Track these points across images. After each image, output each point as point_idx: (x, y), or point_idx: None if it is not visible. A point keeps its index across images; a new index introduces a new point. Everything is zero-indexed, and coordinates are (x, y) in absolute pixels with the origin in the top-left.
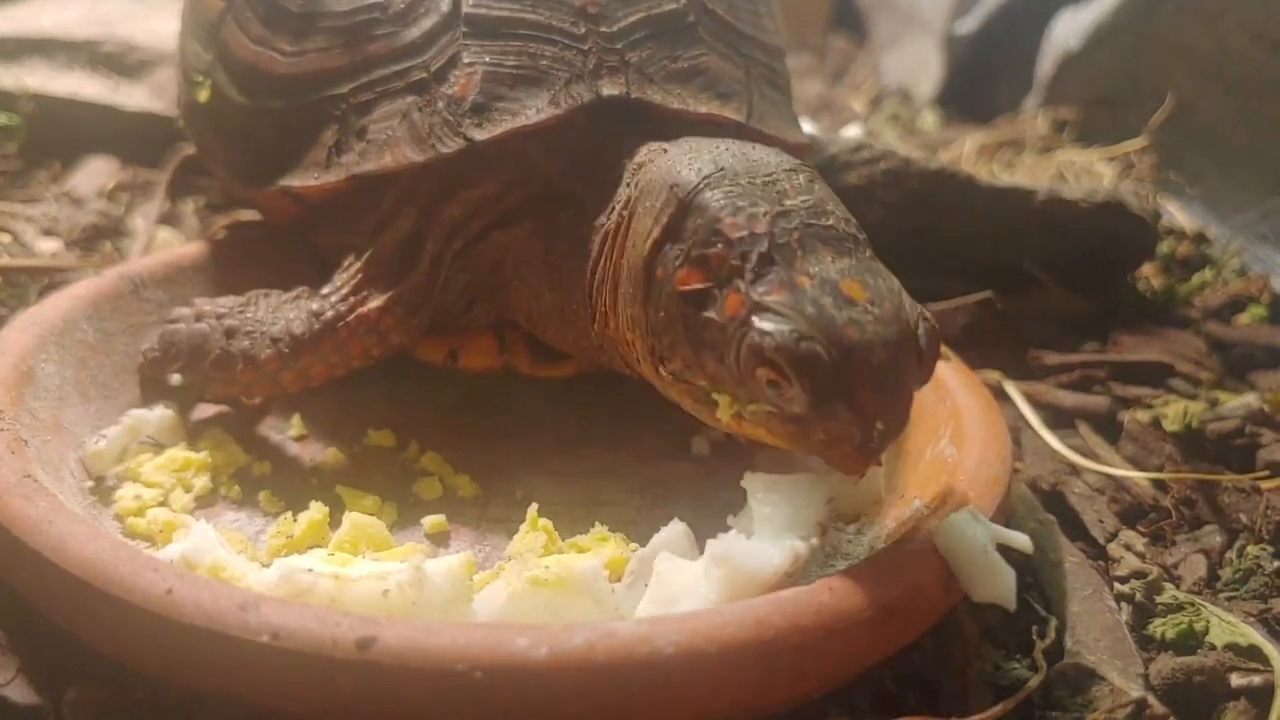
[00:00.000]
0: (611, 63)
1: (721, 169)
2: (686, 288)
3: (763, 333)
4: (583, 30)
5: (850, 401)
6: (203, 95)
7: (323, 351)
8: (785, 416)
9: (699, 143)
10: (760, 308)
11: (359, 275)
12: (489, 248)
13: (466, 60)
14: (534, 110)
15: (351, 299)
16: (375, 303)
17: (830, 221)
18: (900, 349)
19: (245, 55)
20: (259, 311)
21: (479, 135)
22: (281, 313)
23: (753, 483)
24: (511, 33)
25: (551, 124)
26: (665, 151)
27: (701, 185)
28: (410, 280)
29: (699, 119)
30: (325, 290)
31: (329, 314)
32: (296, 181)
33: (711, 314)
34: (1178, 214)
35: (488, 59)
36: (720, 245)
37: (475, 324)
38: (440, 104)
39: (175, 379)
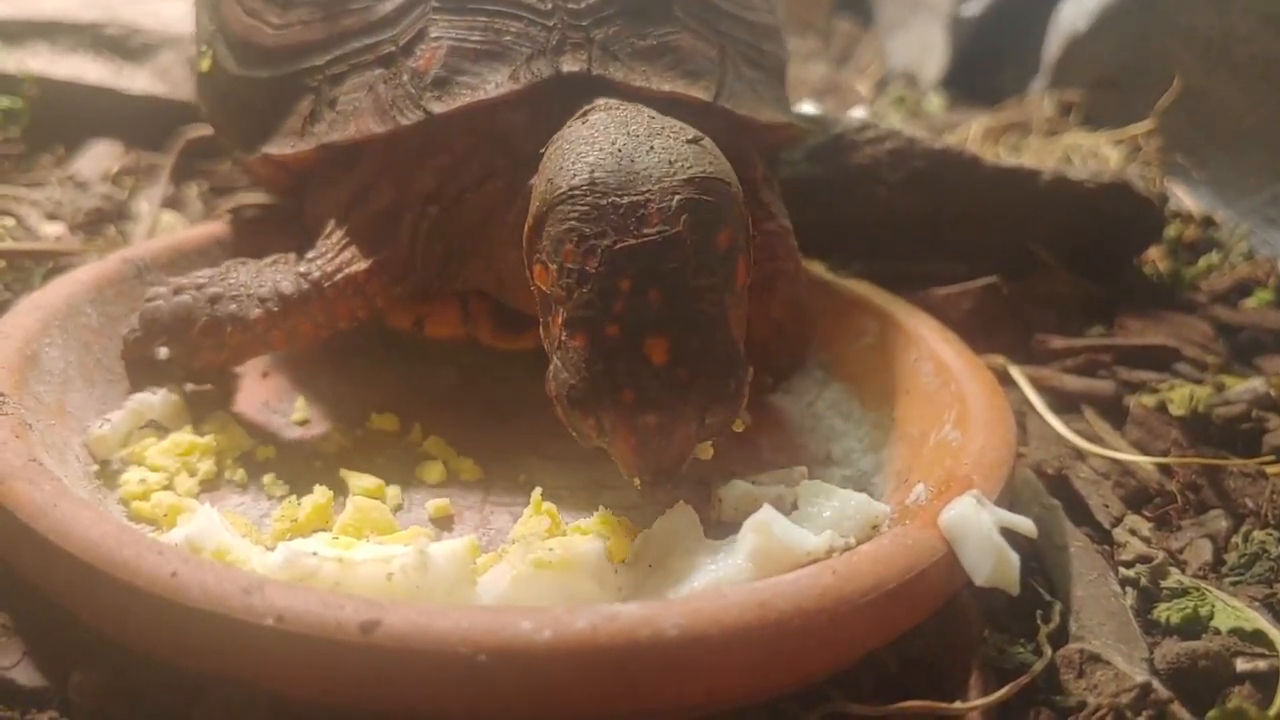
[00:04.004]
0: (575, 39)
1: (593, 181)
2: (538, 282)
3: (554, 372)
4: (549, 6)
5: (615, 454)
6: (205, 65)
7: (310, 311)
8: None
9: (601, 129)
10: (563, 346)
11: (344, 240)
12: (463, 211)
13: (433, 34)
14: (493, 85)
15: (337, 260)
16: (361, 265)
17: (674, 265)
18: (677, 414)
19: (239, 27)
20: (241, 276)
21: (437, 108)
22: (265, 276)
23: (808, 488)
24: (479, 8)
25: (510, 99)
26: (583, 124)
27: (565, 195)
28: (392, 250)
29: (662, 97)
30: (310, 254)
31: (315, 274)
32: (275, 149)
33: (550, 316)
34: (1184, 197)
35: (454, 33)
36: (555, 267)
37: (448, 290)
38: (404, 77)
39: (163, 352)
